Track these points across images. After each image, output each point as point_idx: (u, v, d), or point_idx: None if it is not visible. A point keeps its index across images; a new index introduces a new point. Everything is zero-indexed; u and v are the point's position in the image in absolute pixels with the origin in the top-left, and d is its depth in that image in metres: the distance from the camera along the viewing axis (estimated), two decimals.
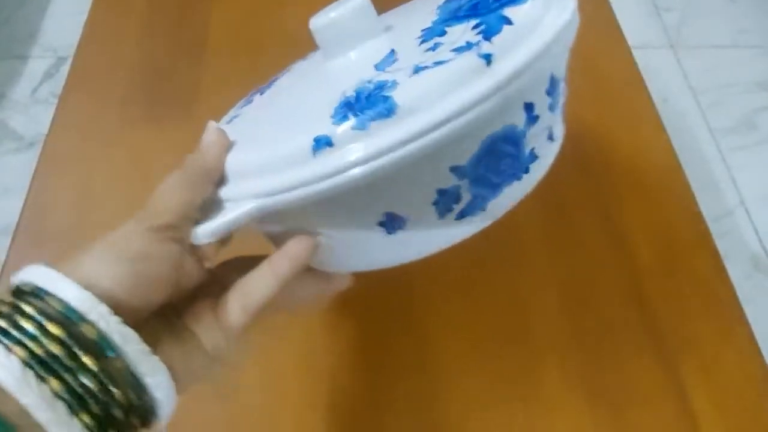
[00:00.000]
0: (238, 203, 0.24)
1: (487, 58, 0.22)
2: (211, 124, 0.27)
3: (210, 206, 0.25)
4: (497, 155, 0.24)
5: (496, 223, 0.26)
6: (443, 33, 0.24)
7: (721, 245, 0.44)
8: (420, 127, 0.21)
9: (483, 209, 0.25)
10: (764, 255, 1.06)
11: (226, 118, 0.31)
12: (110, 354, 0.21)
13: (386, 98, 0.21)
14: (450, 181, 0.24)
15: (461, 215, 0.25)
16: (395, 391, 0.37)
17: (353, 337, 0.39)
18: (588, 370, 0.38)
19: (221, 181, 0.26)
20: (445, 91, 0.21)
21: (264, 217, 0.24)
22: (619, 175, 0.47)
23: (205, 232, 0.24)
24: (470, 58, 0.22)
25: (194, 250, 0.26)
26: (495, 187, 0.25)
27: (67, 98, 0.51)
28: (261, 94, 0.31)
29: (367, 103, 0.22)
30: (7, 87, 1.22)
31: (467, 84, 0.22)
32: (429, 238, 0.26)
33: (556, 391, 0.38)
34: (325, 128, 0.22)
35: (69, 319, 0.20)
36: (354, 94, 0.22)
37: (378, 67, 0.24)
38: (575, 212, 0.45)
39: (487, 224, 0.26)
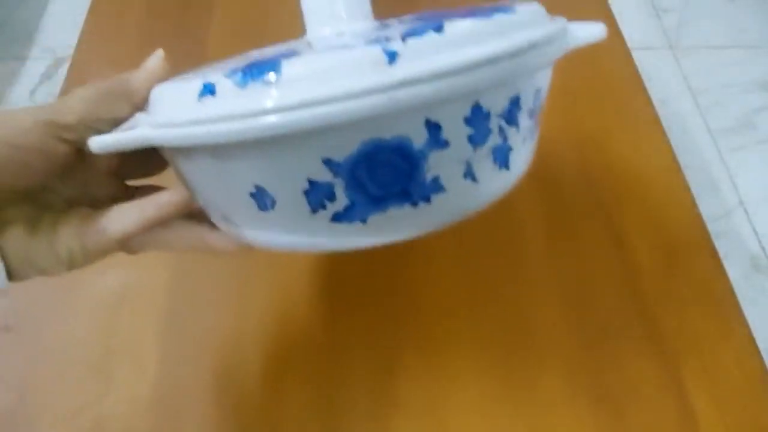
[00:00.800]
0: (134, 128, 0.23)
1: (391, 56, 0.20)
2: (159, 52, 0.28)
3: (124, 125, 0.25)
4: (380, 164, 0.22)
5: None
6: (387, 26, 0.23)
7: (721, 246, 0.44)
8: (288, 102, 0.20)
9: (363, 221, 0.23)
10: (763, 255, 1.06)
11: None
12: None
13: (276, 64, 0.20)
14: (322, 175, 0.22)
15: (336, 218, 0.23)
16: (397, 392, 0.37)
17: (356, 338, 0.39)
18: (588, 370, 0.38)
19: (143, 105, 0.26)
20: (332, 75, 0.20)
21: (158, 149, 0.24)
22: (619, 175, 0.47)
23: (95, 142, 0.23)
24: (374, 52, 0.20)
25: (96, 158, 0.26)
26: (377, 201, 0.23)
27: None
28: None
29: (263, 65, 0.20)
30: (5, 88, 1.22)
31: (358, 76, 0.20)
32: (304, 232, 0.24)
33: (556, 392, 0.38)
34: (216, 77, 0.21)
35: None
36: (266, 58, 0.22)
37: (317, 42, 0.24)
38: (575, 213, 0.45)
39: (372, 243, 0.24)
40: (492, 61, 0.21)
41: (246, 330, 0.39)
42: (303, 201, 0.22)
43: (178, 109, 0.22)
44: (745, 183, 1.14)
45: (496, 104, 0.23)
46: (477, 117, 0.22)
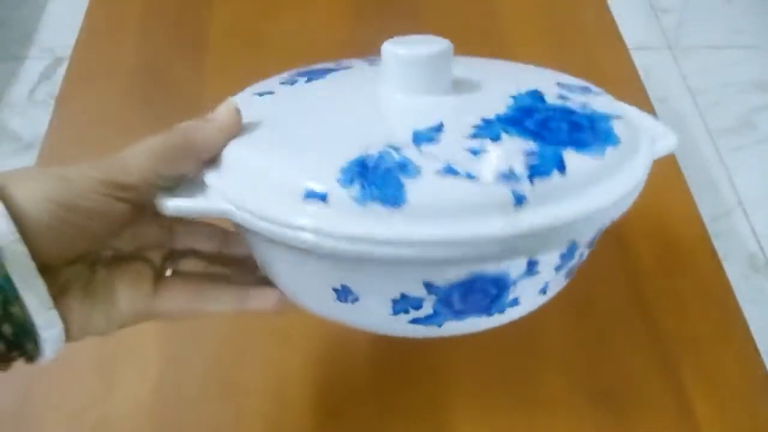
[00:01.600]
0: (215, 198, 0.22)
1: (520, 201, 0.20)
2: (230, 103, 0.25)
3: (190, 179, 0.24)
4: (476, 290, 0.22)
5: None
6: (497, 137, 0.21)
7: (719, 246, 0.44)
8: (412, 237, 0.19)
9: (438, 325, 0.24)
10: (762, 255, 1.06)
11: (259, 86, 0.29)
12: (12, 299, 0.20)
13: (400, 186, 0.19)
14: (417, 291, 0.22)
15: (415, 322, 0.23)
16: (398, 394, 0.37)
17: (359, 342, 0.39)
18: (588, 371, 0.38)
19: (213, 159, 0.24)
20: (459, 212, 0.19)
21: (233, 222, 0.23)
22: None
23: (171, 206, 0.22)
24: (503, 192, 0.20)
25: (157, 214, 0.24)
26: (459, 313, 0.23)
27: (64, 99, 0.51)
28: (307, 81, 0.28)
29: (381, 180, 0.19)
30: (4, 88, 1.22)
31: (486, 217, 0.19)
32: (374, 321, 0.25)
33: (556, 393, 0.38)
34: (328, 183, 0.20)
35: None
36: (375, 156, 0.20)
37: (416, 137, 0.21)
38: None
39: (433, 335, 0.25)
40: (610, 206, 0.21)
41: (248, 333, 0.39)
42: (388, 305, 0.23)
43: (277, 203, 0.21)
44: (744, 183, 1.14)
45: (586, 237, 0.24)
46: (571, 251, 0.23)
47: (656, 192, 0.47)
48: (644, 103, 0.52)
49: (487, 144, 0.21)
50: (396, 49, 0.24)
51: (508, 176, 0.20)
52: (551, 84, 0.25)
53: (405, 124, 0.22)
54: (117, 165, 0.23)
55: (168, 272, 0.27)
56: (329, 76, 0.28)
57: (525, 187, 0.20)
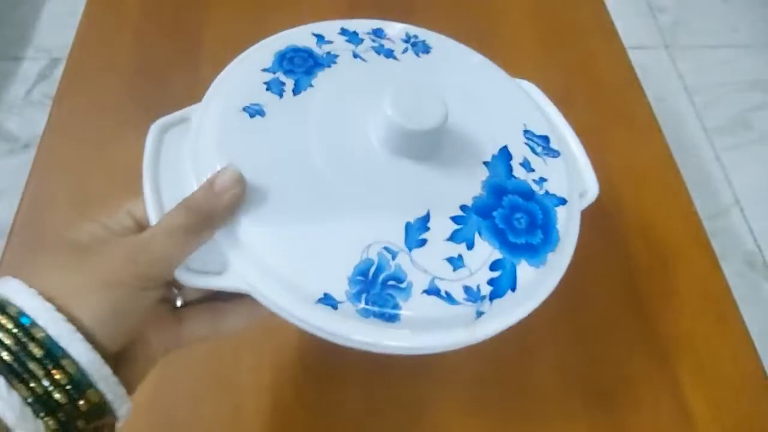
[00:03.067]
0: (236, 279, 0.25)
1: (479, 316, 0.26)
2: (231, 170, 0.26)
3: (205, 247, 0.26)
4: None
5: None
6: (472, 245, 0.27)
7: (716, 244, 0.44)
8: (400, 345, 0.25)
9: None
10: (759, 254, 1.06)
11: (242, 83, 0.31)
12: (89, 389, 0.21)
13: (396, 306, 0.25)
14: None
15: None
16: (391, 393, 0.37)
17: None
18: (584, 368, 0.39)
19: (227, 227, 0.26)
20: (434, 326, 0.26)
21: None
22: (615, 174, 0.47)
23: (193, 282, 0.25)
24: (469, 311, 0.26)
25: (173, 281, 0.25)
26: None
27: (61, 99, 0.51)
28: (294, 89, 0.31)
29: (381, 300, 0.25)
30: (0, 88, 1.21)
31: (452, 328, 0.26)
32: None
33: (551, 388, 0.38)
34: (339, 291, 0.25)
35: (52, 354, 0.21)
36: (375, 263, 0.26)
37: (408, 236, 0.27)
38: None
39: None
40: (540, 304, 0.28)
41: (244, 334, 0.39)
42: None
43: (293, 299, 0.25)
44: (741, 181, 1.14)
45: None
46: None
47: (653, 191, 0.48)
48: (641, 103, 0.52)
49: (464, 253, 0.27)
50: (398, 120, 0.27)
51: (475, 296, 0.26)
52: (520, 135, 0.32)
53: (400, 211, 0.27)
54: (146, 258, 0.23)
55: (178, 302, 0.28)
56: (317, 83, 0.31)
57: (485, 306, 0.26)
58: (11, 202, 0.45)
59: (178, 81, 0.52)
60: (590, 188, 0.33)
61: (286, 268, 0.25)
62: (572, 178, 0.32)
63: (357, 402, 0.37)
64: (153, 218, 0.26)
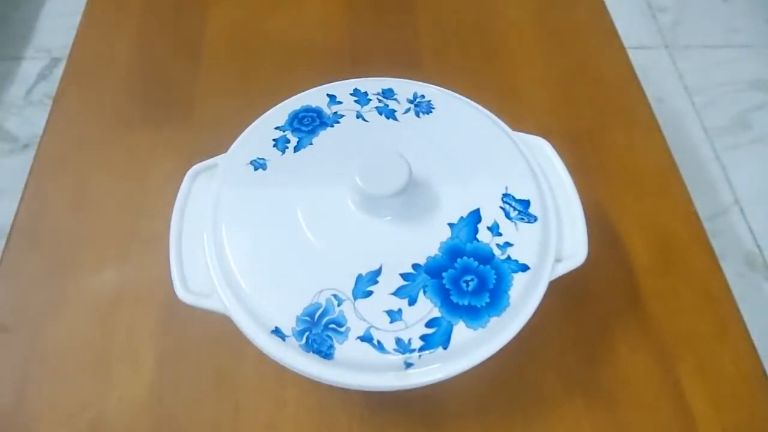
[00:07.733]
0: (218, 303, 0.31)
1: (408, 366, 0.28)
2: None
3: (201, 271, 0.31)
4: None
5: None
6: (414, 301, 0.29)
7: (716, 244, 0.44)
8: (335, 380, 0.29)
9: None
10: (759, 253, 1.06)
11: (254, 138, 0.35)
12: None
13: (332, 348, 0.28)
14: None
15: None
16: (391, 392, 0.37)
17: None
18: (584, 368, 0.39)
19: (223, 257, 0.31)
20: (365, 369, 0.28)
21: None
22: (615, 174, 0.47)
23: (190, 300, 0.31)
24: (398, 360, 0.28)
25: None
26: None
27: (61, 99, 0.51)
28: (297, 146, 0.35)
29: (321, 340, 0.28)
30: (0, 88, 1.21)
31: (382, 373, 0.28)
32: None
33: (552, 391, 0.38)
34: (287, 326, 0.29)
35: None
36: (322, 308, 0.29)
37: (356, 287, 0.29)
38: None
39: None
40: (475, 366, 0.29)
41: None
42: None
43: (255, 327, 0.30)
44: (741, 181, 1.14)
45: None
46: None
47: (653, 191, 0.48)
48: (641, 102, 0.52)
49: (404, 308, 0.29)
50: (362, 185, 0.30)
51: (404, 348, 0.28)
52: (497, 198, 0.33)
53: (357, 264, 0.30)
54: None
55: None
56: (317, 142, 0.35)
57: (414, 357, 0.28)
58: (11, 202, 0.45)
59: (179, 81, 0.52)
60: (578, 252, 0.33)
61: (256, 299, 0.30)
62: (547, 245, 0.32)
63: (358, 400, 0.37)
64: (178, 284, 0.31)
